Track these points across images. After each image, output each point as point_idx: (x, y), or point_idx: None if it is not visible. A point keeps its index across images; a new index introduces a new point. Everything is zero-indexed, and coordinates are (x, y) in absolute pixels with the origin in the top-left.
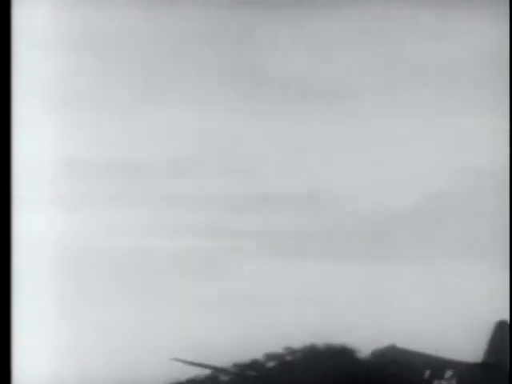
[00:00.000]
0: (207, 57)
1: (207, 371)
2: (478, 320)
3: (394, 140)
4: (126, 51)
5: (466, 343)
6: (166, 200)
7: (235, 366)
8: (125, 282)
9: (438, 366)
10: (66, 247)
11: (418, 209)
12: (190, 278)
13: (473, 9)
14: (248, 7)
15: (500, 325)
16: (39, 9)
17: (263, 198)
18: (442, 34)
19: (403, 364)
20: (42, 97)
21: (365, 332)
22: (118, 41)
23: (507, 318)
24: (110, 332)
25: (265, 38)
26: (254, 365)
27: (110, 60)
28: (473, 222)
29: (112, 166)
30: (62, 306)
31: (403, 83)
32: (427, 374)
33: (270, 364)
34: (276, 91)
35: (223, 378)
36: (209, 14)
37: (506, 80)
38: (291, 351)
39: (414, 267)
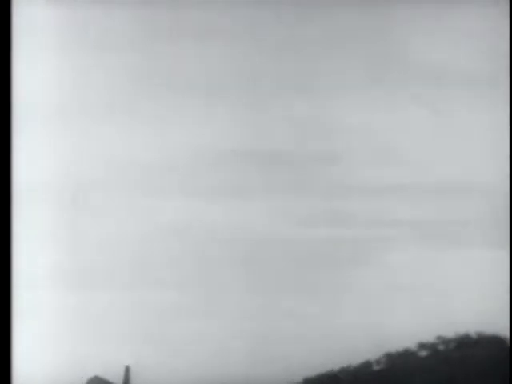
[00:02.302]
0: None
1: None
2: None
3: None
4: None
5: None
6: (316, 189)
7: (387, 355)
8: (267, 271)
9: None
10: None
11: None
12: (337, 266)
13: None
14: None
15: None
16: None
17: (410, 187)
18: None
19: None
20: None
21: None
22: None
23: None
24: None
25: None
26: (407, 354)
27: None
28: None
29: (258, 156)
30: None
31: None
32: None
33: (423, 353)
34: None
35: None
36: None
37: None
38: (444, 340)
39: None
